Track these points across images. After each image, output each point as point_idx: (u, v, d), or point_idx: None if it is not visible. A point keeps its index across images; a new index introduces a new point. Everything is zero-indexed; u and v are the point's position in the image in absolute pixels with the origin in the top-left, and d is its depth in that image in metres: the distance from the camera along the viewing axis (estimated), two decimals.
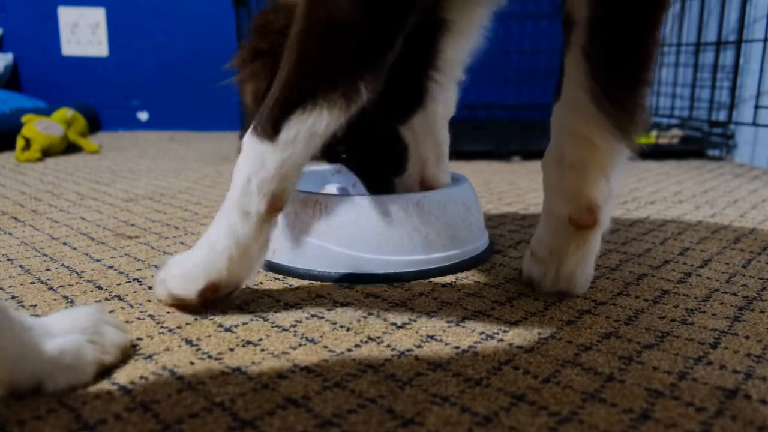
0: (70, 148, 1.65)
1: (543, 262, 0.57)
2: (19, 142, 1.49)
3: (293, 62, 0.48)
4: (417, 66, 0.62)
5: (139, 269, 0.65)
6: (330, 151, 0.70)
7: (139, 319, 0.52)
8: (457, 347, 0.46)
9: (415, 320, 0.51)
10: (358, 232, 0.61)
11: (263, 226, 0.51)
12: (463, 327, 0.50)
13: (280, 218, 0.64)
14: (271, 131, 0.48)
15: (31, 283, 0.61)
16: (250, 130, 0.50)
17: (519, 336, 0.48)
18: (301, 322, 0.51)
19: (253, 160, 0.49)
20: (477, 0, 0.61)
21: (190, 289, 0.51)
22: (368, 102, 0.49)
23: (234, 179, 0.51)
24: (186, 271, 0.52)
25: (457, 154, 1.52)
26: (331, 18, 0.46)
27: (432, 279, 0.62)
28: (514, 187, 1.16)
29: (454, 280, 0.61)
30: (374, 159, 0.69)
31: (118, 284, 0.61)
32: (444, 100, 0.66)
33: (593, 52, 0.49)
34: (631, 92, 0.50)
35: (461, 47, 0.63)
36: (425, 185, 0.67)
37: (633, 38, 0.49)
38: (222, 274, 0.51)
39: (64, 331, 0.42)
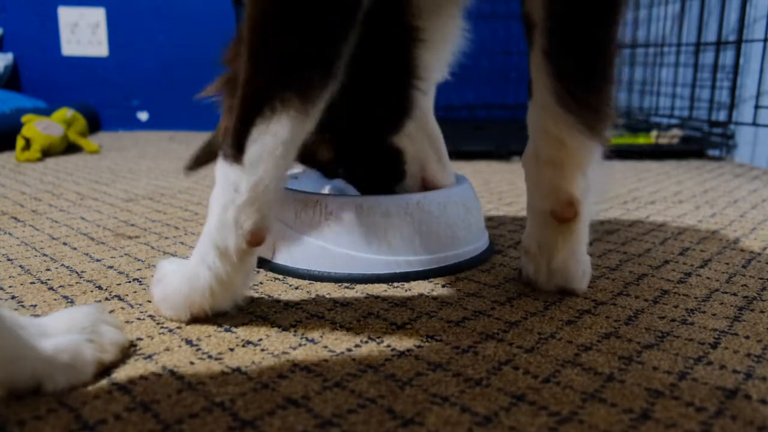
0: (70, 148, 1.65)
1: (534, 257, 0.57)
2: (19, 142, 1.49)
3: (245, 69, 0.45)
4: (398, 77, 0.60)
5: (139, 269, 0.65)
6: (328, 168, 0.69)
7: (139, 319, 0.52)
8: (457, 347, 0.46)
9: (415, 320, 0.51)
10: (358, 232, 0.61)
11: (244, 260, 0.49)
12: (463, 327, 0.50)
13: (280, 218, 0.64)
14: (236, 152, 0.46)
15: (31, 283, 0.61)
16: (220, 156, 0.48)
17: (519, 336, 0.48)
18: (301, 322, 0.51)
19: (226, 187, 0.47)
20: (445, 5, 0.60)
21: (180, 317, 0.51)
22: (332, 102, 0.47)
23: (210, 210, 0.49)
24: (173, 302, 0.51)
25: (457, 154, 1.52)
26: (275, 3, 0.44)
27: (432, 279, 0.62)
28: (514, 187, 1.16)
29: (454, 280, 0.61)
30: (372, 172, 0.68)
31: (118, 284, 0.61)
32: (429, 98, 0.66)
33: (553, 52, 0.50)
34: (595, 90, 0.50)
35: (440, 51, 0.62)
36: (428, 186, 0.67)
37: (590, 37, 0.49)
38: (205, 307, 0.50)
39: (62, 331, 0.42)
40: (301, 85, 0.45)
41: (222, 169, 0.48)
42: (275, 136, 0.45)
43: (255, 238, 0.48)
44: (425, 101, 0.65)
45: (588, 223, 0.55)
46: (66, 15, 2.24)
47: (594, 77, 0.50)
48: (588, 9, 0.48)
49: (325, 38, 0.45)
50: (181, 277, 0.50)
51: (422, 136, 0.66)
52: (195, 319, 0.51)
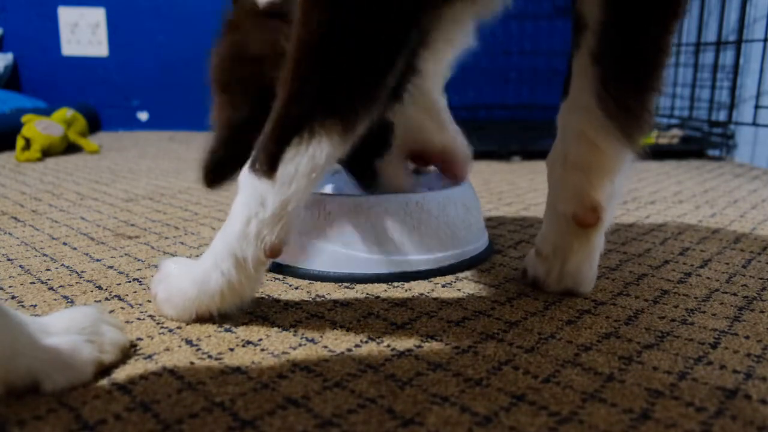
0: (70, 148, 1.65)
1: (547, 259, 0.57)
2: (19, 142, 1.49)
3: (287, 86, 0.45)
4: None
5: (139, 269, 0.65)
6: None
7: (139, 319, 0.52)
8: (457, 347, 0.46)
9: (415, 320, 0.51)
10: (358, 232, 0.61)
11: (259, 269, 0.49)
12: (463, 327, 0.50)
13: None
14: (268, 167, 0.45)
15: (31, 283, 0.61)
16: (247, 165, 0.48)
17: (519, 336, 0.48)
18: (301, 322, 0.51)
19: (253, 200, 0.46)
20: (456, 16, 0.59)
21: (182, 318, 0.51)
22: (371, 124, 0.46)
23: (232, 217, 0.48)
24: (177, 303, 0.51)
25: None
26: (328, 29, 0.43)
27: (432, 279, 0.62)
28: (514, 187, 1.16)
29: (454, 280, 0.61)
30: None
31: (118, 284, 0.61)
32: (435, 73, 0.64)
33: (603, 56, 0.49)
34: (640, 98, 0.49)
35: (444, 57, 0.61)
36: (429, 152, 0.65)
37: (644, 45, 0.48)
38: (212, 309, 0.50)
39: (61, 331, 0.42)
40: (347, 113, 0.44)
41: (249, 179, 0.47)
42: (312, 159, 0.45)
43: (274, 251, 0.48)
44: (427, 83, 0.63)
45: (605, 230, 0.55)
46: (66, 15, 2.24)
47: (642, 85, 0.49)
48: (648, 16, 0.48)
49: (377, 69, 0.44)
50: (189, 280, 0.50)
51: (418, 110, 0.64)
52: (196, 320, 0.51)
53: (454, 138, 0.67)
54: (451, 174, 0.69)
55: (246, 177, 0.47)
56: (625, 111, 0.49)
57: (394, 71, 0.45)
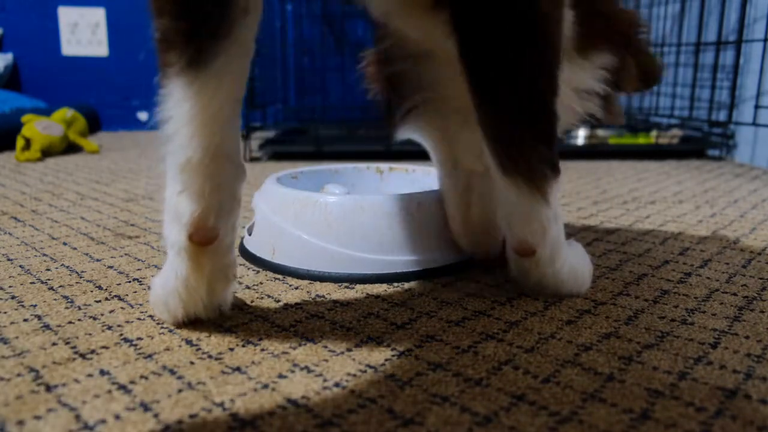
0: (70, 148, 1.65)
1: (516, 275, 0.57)
2: (19, 142, 1.49)
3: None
4: None
5: (139, 269, 0.65)
6: None
7: (139, 319, 0.52)
8: (457, 347, 0.46)
9: (415, 320, 0.51)
10: (358, 232, 0.61)
11: (198, 262, 0.46)
12: (463, 327, 0.50)
13: (280, 218, 0.64)
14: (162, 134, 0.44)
15: (31, 283, 0.61)
16: None
17: (519, 336, 0.48)
18: (301, 322, 0.51)
19: (170, 176, 0.44)
20: None
21: (165, 319, 0.51)
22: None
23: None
24: (154, 303, 0.50)
25: None
26: None
27: (432, 279, 0.62)
28: None
29: (454, 280, 0.61)
30: None
31: (118, 284, 0.61)
32: None
33: (485, 122, 0.50)
34: (526, 152, 0.49)
35: None
36: None
37: (516, 108, 0.48)
38: (178, 314, 0.49)
39: None
40: (180, 49, 0.42)
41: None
42: (176, 104, 0.43)
43: (197, 233, 0.45)
44: None
45: (560, 244, 0.54)
46: (66, 15, 2.25)
47: (523, 140, 0.49)
48: (511, 82, 0.47)
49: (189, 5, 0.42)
50: (159, 279, 0.50)
51: None
52: (184, 323, 0.50)
53: None
54: None
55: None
56: (522, 165, 0.49)
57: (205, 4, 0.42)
